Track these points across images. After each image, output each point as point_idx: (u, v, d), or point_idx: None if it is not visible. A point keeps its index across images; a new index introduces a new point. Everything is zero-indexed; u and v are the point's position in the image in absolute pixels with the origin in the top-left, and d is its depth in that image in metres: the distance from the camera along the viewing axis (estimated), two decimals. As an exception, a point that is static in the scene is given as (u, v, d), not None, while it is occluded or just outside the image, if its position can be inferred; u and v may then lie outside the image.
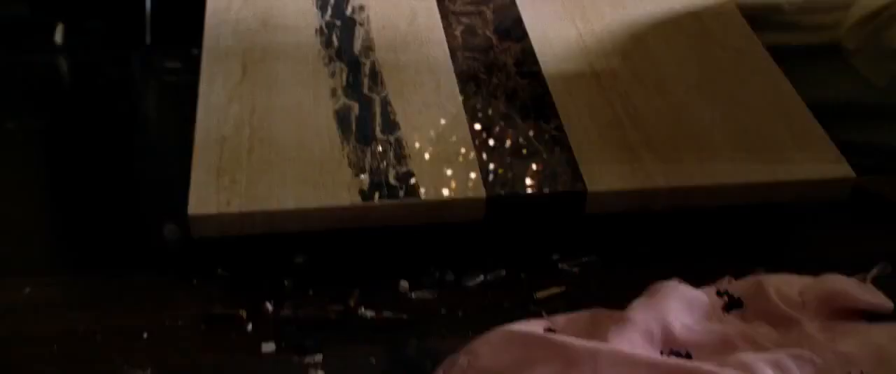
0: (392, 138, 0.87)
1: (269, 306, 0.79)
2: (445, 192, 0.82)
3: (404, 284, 0.81)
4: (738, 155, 0.89)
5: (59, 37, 2.06)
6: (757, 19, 1.15)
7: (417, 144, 0.87)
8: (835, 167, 0.88)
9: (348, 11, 1.04)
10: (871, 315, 0.76)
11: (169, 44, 2.09)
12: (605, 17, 1.07)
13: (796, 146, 0.91)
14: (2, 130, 1.32)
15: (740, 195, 0.87)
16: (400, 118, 0.90)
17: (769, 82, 1.00)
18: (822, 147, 0.91)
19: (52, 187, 1.08)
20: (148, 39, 2.08)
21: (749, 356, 0.69)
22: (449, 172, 0.84)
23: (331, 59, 0.97)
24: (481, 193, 0.82)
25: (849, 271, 0.80)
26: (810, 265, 0.80)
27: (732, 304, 0.77)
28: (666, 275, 0.78)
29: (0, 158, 1.18)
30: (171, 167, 0.96)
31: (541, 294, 0.80)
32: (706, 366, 0.66)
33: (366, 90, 0.93)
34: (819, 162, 0.89)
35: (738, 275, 0.79)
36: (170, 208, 0.87)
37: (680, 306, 0.74)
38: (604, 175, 0.85)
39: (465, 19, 1.05)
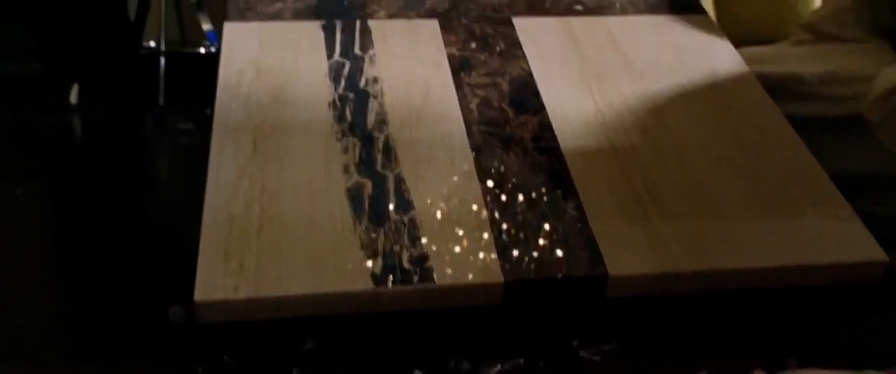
0: (406, 218, 0.85)
1: (277, 397, 0.76)
2: (461, 276, 0.79)
3: None
4: (764, 235, 0.86)
5: (73, 97, 2.06)
6: (776, 89, 1.13)
7: (432, 225, 0.84)
8: (868, 250, 0.84)
9: (362, 84, 1.03)
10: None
11: (182, 103, 2.09)
12: (622, 89, 1.05)
13: (826, 226, 0.87)
14: (10, 197, 1.30)
15: (768, 279, 0.83)
16: (414, 197, 0.87)
17: (792, 156, 0.98)
18: (853, 229, 0.87)
19: (57, 263, 1.06)
20: (161, 100, 2.07)
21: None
22: (464, 254, 0.81)
23: (343, 134, 0.95)
24: (498, 277, 0.79)
25: (887, 363, 0.76)
26: (846, 357, 0.76)
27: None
28: (691, 365, 0.75)
29: (5, 229, 1.16)
30: (180, 239, 0.94)
31: (561, 385, 0.77)
32: None
33: (379, 167, 0.91)
34: (851, 244, 0.85)
35: (768, 367, 0.76)
36: (177, 286, 0.84)
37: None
38: (625, 258, 0.82)
39: (480, 92, 1.03)
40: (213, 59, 1.14)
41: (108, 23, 2.06)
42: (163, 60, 2.14)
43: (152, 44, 2.40)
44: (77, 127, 1.91)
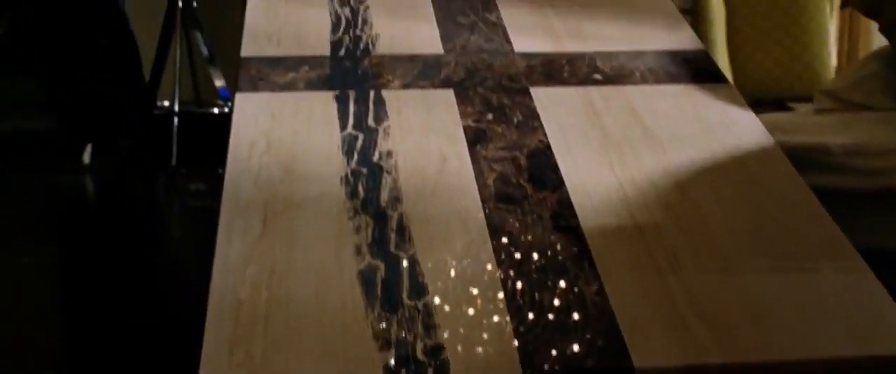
0: (420, 304, 0.81)
1: None
2: (478, 370, 0.75)
3: None
4: (797, 321, 0.82)
5: (87, 157, 2.04)
6: (802, 160, 1.09)
7: (447, 311, 0.80)
8: (905, 340, 0.80)
9: (375, 157, 1.00)
10: None
11: (195, 163, 2.07)
12: (644, 162, 1.02)
13: (860, 312, 0.83)
14: (16, 267, 1.27)
15: (803, 371, 0.79)
16: (428, 280, 0.84)
17: (821, 232, 0.94)
18: (888, 313, 0.83)
19: (62, 337, 1.02)
20: (174, 161, 2.05)
21: None
22: (482, 345, 0.77)
23: (356, 212, 0.92)
24: (517, 370, 0.75)
25: None
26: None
27: None
28: None
29: (9, 303, 1.13)
30: (187, 315, 0.91)
31: None
32: None
33: (392, 248, 0.88)
34: (887, 332, 0.81)
35: None
36: (181, 366, 0.81)
37: None
38: (651, 348, 0.78)
39: (497, 166, 1.00)
40: (226, 119, 1.12)
41: (124, 83, 2.06)
42: (176, 120, 2.14)
43: (166, 103, 2.40)
44: (89, 189, 1.89)
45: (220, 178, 1.00)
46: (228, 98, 2.26)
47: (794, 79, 3.38)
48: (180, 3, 2.02)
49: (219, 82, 2.32)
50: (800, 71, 3.40)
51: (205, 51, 2.19)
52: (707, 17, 3.34)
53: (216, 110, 2.22)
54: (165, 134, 2.15)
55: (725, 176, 1.01)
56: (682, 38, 1.27)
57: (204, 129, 2.26)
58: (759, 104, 3.12)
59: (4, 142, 2.46)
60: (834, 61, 3.48)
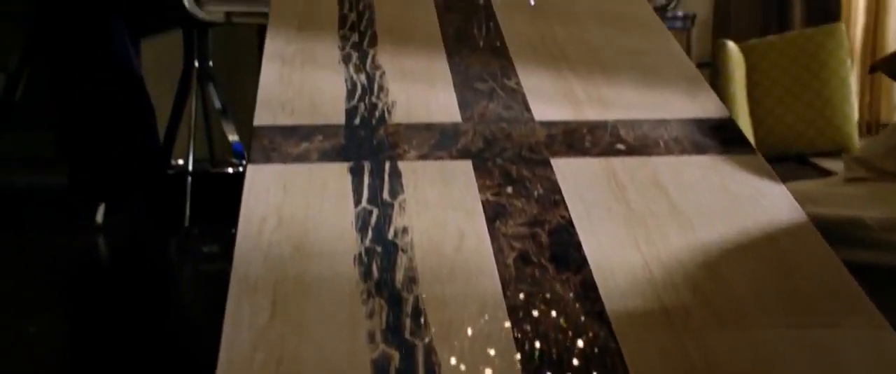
0: (437, 398, 0.76)
1: None
2: None
3: None
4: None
5: (99, 217, 2.01)
6: (835, 235, 1.05)
7: (466, 406, 0.76)
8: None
9: (390, 235, 0.96)
10: None
11: (208, 223, 2.03)
12: (671, 240, 0.98)
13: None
14: (21, 336, 1.24)
15: None
16: (445, 371, 0.79)
17: (862, 320, 0.89)
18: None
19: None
20: (187, 222, 2.02)
21: None
22: (502, 446, 0.73)
23: (369, 295, 0.88)
24: None
25: None
26: None
27: None
28: None
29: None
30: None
31: None
32: None
33: (408, 334, 0.83)
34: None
35: None
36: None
37: None
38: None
39: (517, 244, 0.96)
40: (240, 179, 1.09)
41: (138, 143, 2.04)
42: (190, 180, 2.12)
43: (180, 161, 2.38)
44: (99, 250, 1.86)
45: (233, 238, 0.97)
46: (242, 153, 2.24)
47: (816, 134, 3.33)
48: (196, 63, 2.01)
49: (232, 137, 2.30)
50: (822, 126, 3.35)
51: (218, 104, 2.18)
52: (726, 70, 3.31)
53: (231, 170, 2.20)
54: (179, 194, 2.12)
55: (758, 255, 0.97)
56: (707, 105, 1.23)
57: (218, 188, 2.23)
58: (781, 159, 3.08)
59: (18, 196, 2.44)
60: (856, 115, 3.44)
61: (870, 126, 3.85)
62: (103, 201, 2.11)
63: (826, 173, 2.81)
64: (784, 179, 1.10)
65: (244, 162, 2.16)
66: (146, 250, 1.74)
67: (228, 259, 0.95)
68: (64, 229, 1.85)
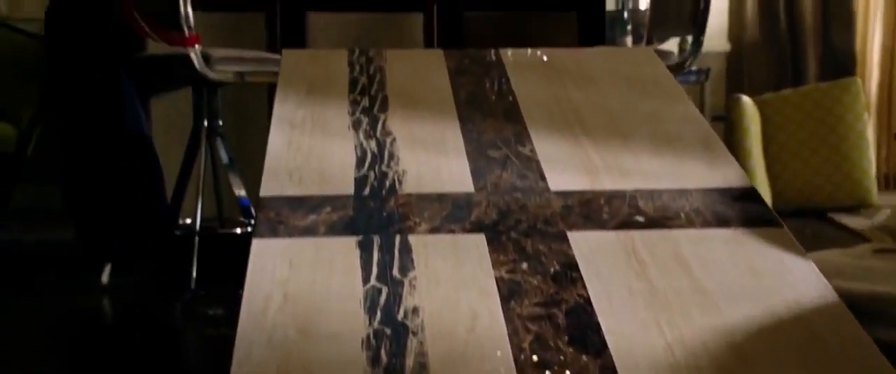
0: None
1: None
2: None
3: None
4: None
5: (105, 277, 1.97)
6: (866, 312, 1.00)
7: None
8: None
9: (400, 315, 0.92)
10: None
11: (214, 285, 1.98)
12: (695, 321, 0.93)
13: None
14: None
15: None
16: None
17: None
18: None
19: None
20: (193, 284, 1.97)
21: None
22: None
23: (378, 382, 0.83)
24: None
25: None
26: None
27: None
28: None
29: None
30: None
31: None
32: None
33: (418, 428, 0.79)
34: None
35: None
36: None
37: None
38: None
39: (533, 326, 0.91)
40: (247, 238, 1.06)
41: (146, 205, 2.01)
42: (197, 241, 2.08)
43: (188, 221, 2.35)
44: (104, 311, 1.81)
45: (239, 299, 0.93)
46: (249, 209, 2.21)
47: (834, 188, 3.28)
48: (206, 122, 1.99)
49: (239, 192, 2.27)
50: (840, 180, 3.30)
51: (225, 158, 2.16)
52: (741, 124, 3.27)
53: (238, 230, 2.16)
54: (186, 255, 2.08)
55: (787, 338, 0.92)
56: (728, 174, 1.19)
57: (225, 249, 2.19)
58: (799, 214, 3.03)
59: (26, 253, 2.41)
60: (874, 170, 3.39)
61: (888, 180, 3.79)
62: (109, 261, 2.07)
63: (845, 230, 2.75)
64: (804, 235, 1.06)
65: (252, 221, 2.13)
66: (151, 313, 1.70)
67: (233, 324, 0.92)
68: (70, 289, 1.82)
